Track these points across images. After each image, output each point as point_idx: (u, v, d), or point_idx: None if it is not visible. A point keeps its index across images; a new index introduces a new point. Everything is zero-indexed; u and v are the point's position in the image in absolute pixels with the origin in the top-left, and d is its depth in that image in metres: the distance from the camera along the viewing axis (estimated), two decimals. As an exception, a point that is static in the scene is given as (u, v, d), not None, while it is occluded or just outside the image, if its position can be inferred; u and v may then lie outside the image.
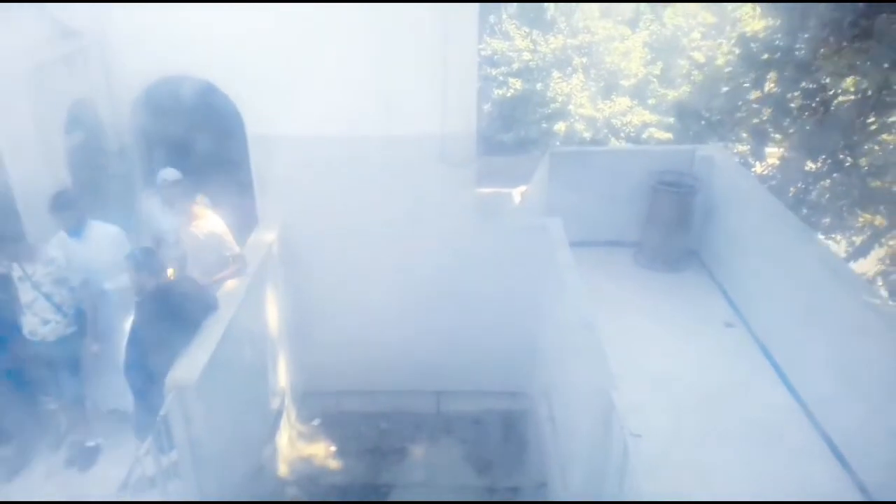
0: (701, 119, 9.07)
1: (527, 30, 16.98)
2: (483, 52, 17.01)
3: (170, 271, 3.73)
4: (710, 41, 15.16)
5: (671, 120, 14.65)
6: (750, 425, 4.18)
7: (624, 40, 16.81)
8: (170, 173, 4.01)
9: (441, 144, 4.88)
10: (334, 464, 4.83)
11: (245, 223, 4.62)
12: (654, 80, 16.40)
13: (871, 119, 6.13)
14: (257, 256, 4.37)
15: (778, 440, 4.07)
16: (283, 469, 4.66)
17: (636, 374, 4.38)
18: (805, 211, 6.95)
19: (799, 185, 6.96)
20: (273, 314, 4.59)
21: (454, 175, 5.02)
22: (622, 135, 16.35)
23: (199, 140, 4.39)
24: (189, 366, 3.34)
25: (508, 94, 16.39)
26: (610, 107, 16.16)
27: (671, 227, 5.88)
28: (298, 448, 4.90)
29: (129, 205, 4.43)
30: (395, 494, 4.57)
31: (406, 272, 5.08)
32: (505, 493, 4.55)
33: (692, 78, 12.09)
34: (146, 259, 3.40)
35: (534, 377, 5.22)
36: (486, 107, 16.47)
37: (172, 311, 3.39)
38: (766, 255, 5.08)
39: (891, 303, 5.41)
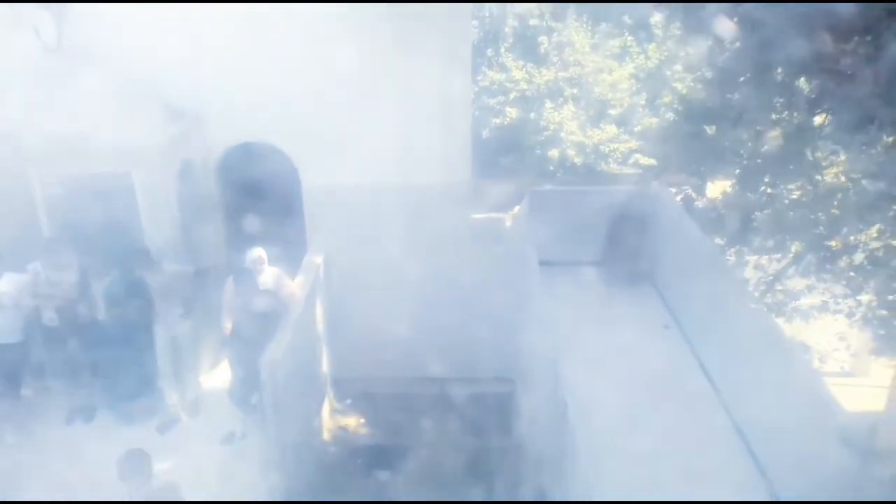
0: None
1: (522, 62, 18.93)
2: (482, 83, 19.05)
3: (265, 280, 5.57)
4: (692, 73, 17.15)
5: (654, 147, 16.56)
6: (672, 399, 5.98)
7: (612, 72, 18.73)
8: (256, 252, 5.70)
9: (443, 189, 6.76)
10: (363, 431, 6.64)
11: (298, 250, 6.48)
12: (640, 109, 18.30)
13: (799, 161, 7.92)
14: (308, 275, 6.21)
15: (691, 411, 5.86)
16: (325, 435, 6.47)
17: (590, 362, 6.17)
18: (749, 234, 8.78)
19: (739, 213, 8.81)
20: (319, 317, 6.43)
21: (454, 210, 6.87)
22: (610, 160, 18.24)
23: (265, 188, 6.26)
24: (275, 350, 5.17)
25: (505, 122, 18.26)
26: (599, 134, 18.04)
27: (625, 250, 7.73)
28: (336, 420, 6.72)
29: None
30: (409, 453, 6.37)
31: (416, 284, 6.90)
32: (492, 451, 6.35)
33: (675, 107, 13.95)
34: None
35: (515, 365, 7.05)
36: (485, 133, 18.34)
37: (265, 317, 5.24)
38: (692, 274, 6.93)
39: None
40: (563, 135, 17.78)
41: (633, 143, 17.60)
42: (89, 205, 5.59)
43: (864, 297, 8.29)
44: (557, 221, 7.81)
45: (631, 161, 17.85)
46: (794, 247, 8.10)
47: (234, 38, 6.25)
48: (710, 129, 8.17)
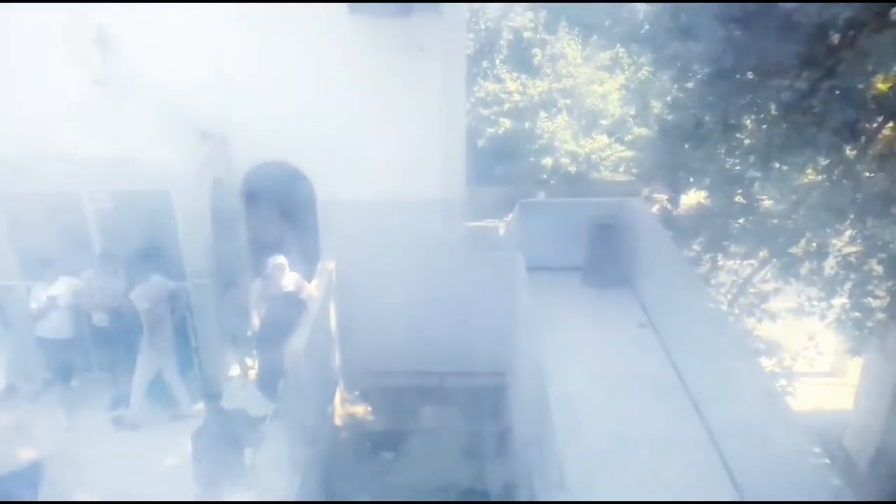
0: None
1: (517, 74, 19.89)
2: (478, 94, 20.04)
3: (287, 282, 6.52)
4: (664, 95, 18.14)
5: (644, 156, 17.52)
6: (643, 390, 6.90)
7: (602, 84, 19.71)
8: (278, 259, 6.65)
9: (441, 204, 7.71)
10: (370, 418, 7.57)
11: (313, 257, 7.42)
12: (630, 119, 19.28)
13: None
14: (323, 279, 7.14)
15: (660, 399, 6.78)
16: (337, 421, 7.40)
17: (571, 357, 7.10)
18: (722, 241, 9.71)
19: (712, 222, 9.76)
20: (332, 316, 7.35)
21: (450, 220, 7.82)
22: (601, 168, 19.23)
23: (284, 203, 7.20)
24: (297, 343, 6.10)
25: (500, 132, 19.23)
26: (590, 143, 19.01)
27: (605, 257, 8.69)
28: (346, 408, 7.65)
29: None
30: (412, 437, 7.31)
31: (417, 288, 7.82)
32: (484, 435, 7.29)
33: (652, 124, 14.98)
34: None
35: (505, 361, 7.99)
36: (481, 142, 19.30)
37: (288, 313, 6.18)
38: (663, 278, 7.88)
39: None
40: (556, 144, 18.74)
41: (624, 152, 18.59)
42: (134, 220, 6.53)
43: (837, 301, 9.21)
44: (544, 230, 8.78)
45: (622, 169, 18.87)
46: (762, 253, 9.06)
47: (257, 69, 7.20)
48: (684, 145, 9.12)
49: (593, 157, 18.86)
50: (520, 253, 7.94)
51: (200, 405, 6.38)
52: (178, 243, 6.65)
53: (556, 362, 6.53)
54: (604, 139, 18.79)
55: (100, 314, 6.48)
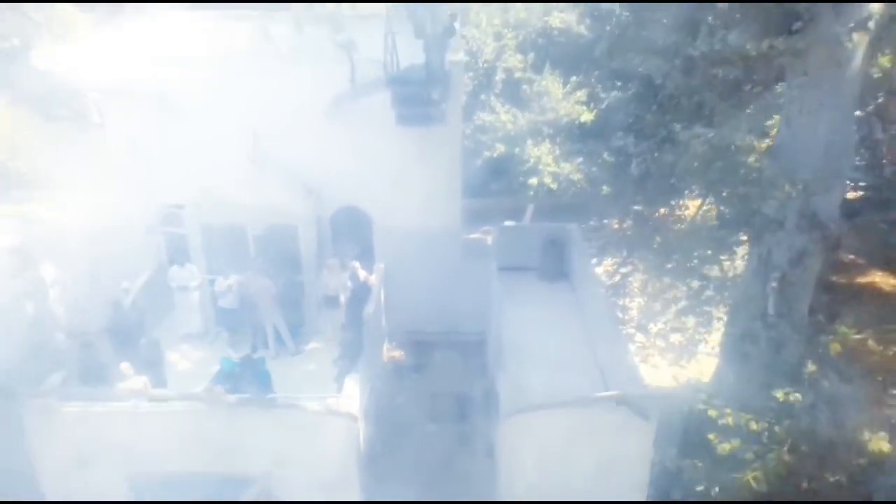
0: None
1: (508, 107, 25.73)
2: (476, 123, 26.00)
3: (363, 275, 12.31)
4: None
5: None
6: (564, 338, 12.61)
7: (580, 116, 25.39)
8: (354, 262, 12.38)
9: (445, 229, 13.48)
10: (402, 359, 13.39)
11: (371, 261, 13.20)
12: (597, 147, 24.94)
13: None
14: (378, 273, 12.90)
15: (576, 352, 12.47)
16: (384, 358, 13.20)
17: (523, 325, 12.78)
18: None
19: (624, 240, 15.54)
20: (381, 296, 13.10)
21: (451, 240, 13.58)
22: (579, 187, 25.00)
23: (355, 230, 13.01)
24: (368, 308, 11.86)
25: (494, 155, 25.03)
26: (569, 167, 24.71)
27: (552, 261, 14.45)
28: (389, 351, 13.46)
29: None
30: (427, 368, 13.11)
31: (431, 279, 13.53)
32: (471, 366, 13.08)
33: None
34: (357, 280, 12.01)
35: (483, 326, 13.78)
36: (478, 163, 25.16)
37: (362, 292, 11.96)
38: (583, 275, 13.64)
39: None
40: (541, 167, 24.43)
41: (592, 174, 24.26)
42: (276, 242, 12.35)
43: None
44: (515, 243, 14.58)
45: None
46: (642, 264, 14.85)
47: (340, 152, 12.93)
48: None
49: (572, 177, 24.59)
50: (493, 259, 13.72)
51: (308, 345, 12.22)
52: (300, 255, 12.48)
53: (512, 328, 12.23)
54: (577, 165, 24.49)
55: (253, 296, 12.30)
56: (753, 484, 8.82)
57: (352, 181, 13.02)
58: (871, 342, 10.43)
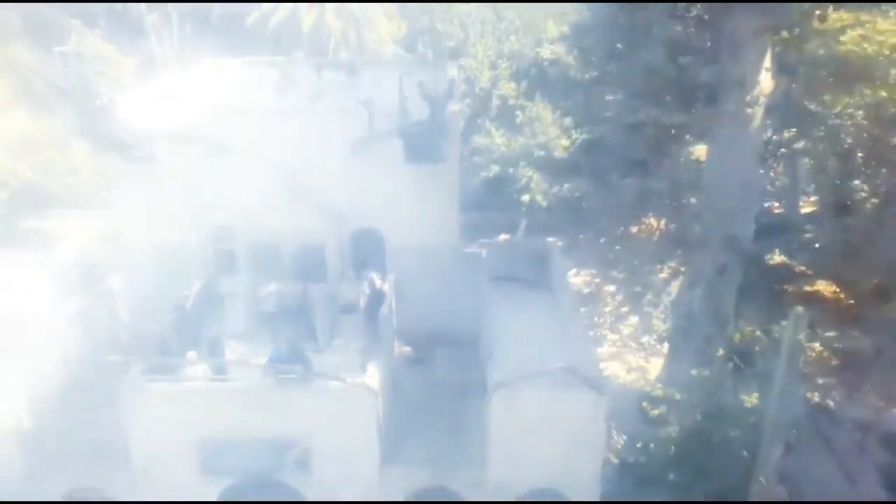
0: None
1: (503, 131, 28.99)
2: (473, 145, 29.29)
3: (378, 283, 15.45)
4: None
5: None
6: (545, 328, 15.66)
7: (567, 139, 28.51)
8: (372, 274, 15.49)
9: (445, 247, 16.61)
10: (410, 353, 16.47)
11: (384, 272, 16.32)
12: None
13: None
14: (390, 283, 16.00)
15: (554, 336, 15.55)
16: (396, 352, 16.28)
17: (508, 321, 15.83)
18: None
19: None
20: (393, 302, 16.20)
21: (451, 255, 16.69)
22: (564, 205, 28.05)
23: (371, 248, 16.15)
24: (383, 310, 14.93)
25: (490, 175, 28.26)
26: (556, 186, 27.81)
27: (536, 273, 17.54)
28: (399, 347, 16.54)
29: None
30: (430, 360, 16.20)
31: (433, 288, 16.61)
32: (468, 357, 16.15)
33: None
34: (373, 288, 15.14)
35: (476, 326, 16.88)
36: (475, 181, 28.37)
37: (378, 298, 15.08)
38: (559, 282, 16.72)
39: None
40: (532, 185, 27.59)
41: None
42: (306, 257, 15.52)
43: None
44: (505, 258, 17.69)
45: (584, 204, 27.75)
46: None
47: (362, 184, 16.06)
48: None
49: (560, 195, 27.72)
50: (486, 270, 16.81)
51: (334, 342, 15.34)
52: (327, 269, 15.62)
53: (499, 325, 15.28)
54: (563, 186, 27.63)
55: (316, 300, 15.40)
56: (672, 436, 11.89)
57: (368, 207, 16.17)
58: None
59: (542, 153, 28.82)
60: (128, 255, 16.57)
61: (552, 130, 29.39)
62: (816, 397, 15.66)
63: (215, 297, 15.78)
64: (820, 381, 15.19)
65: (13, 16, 23.44)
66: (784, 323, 10.86)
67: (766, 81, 13.13)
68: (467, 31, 32.96)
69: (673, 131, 13.65)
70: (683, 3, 13.06)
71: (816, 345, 14.46)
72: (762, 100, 12.85)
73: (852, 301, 15.48)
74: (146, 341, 14.91)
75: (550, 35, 31.10)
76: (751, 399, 12.18)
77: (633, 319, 18.29)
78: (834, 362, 15.08)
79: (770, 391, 10.73)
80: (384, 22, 33.03)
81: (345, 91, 18.23)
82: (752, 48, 12.31)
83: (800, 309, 10.63)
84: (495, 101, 31.31)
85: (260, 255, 15.63)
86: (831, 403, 15.98)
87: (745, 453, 11.30)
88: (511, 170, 28.39)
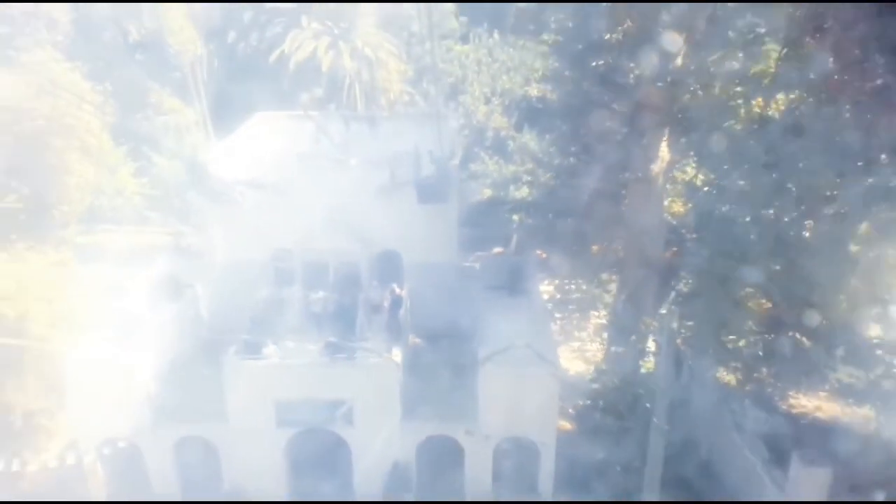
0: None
1: (496, 158, 35.16)
2: (470, 171, 35.46)
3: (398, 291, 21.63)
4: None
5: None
6: (511, 325, 21.77)
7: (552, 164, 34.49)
8: (394, 285, 21.65)
9: (445, 263, 22.82)
10: (420, 343, 22.66)
11: (402, 282, 22.50)
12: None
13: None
14: (406, 291, 22.14)
15: (527, 322, 21.65)
16: (409, 343, 22.45)
17: (495, 326, 21.91)
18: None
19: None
20: (407, 304, 22.33)
21: (451, 269, 22.88)
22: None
23: (393, 264, 22.37)
24: (402, 312, 21.07)
25: (484, 198, 34.40)
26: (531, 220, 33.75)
27: (517, 283, 23.68)
28: (412, 339, 22.69)
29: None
30: (435, 348, 22.40)
31: (438, 295, 22.74)
32: (465, 349, 22.33)
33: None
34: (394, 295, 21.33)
35: (471, 324, 23.05)
36: (471, 202, 34.52)
37: (397, 302, 21.26)
38: (532, 293, 22.88)
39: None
40: (522, 205, 33.59)
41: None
42: (346, 270, 21.72)
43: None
44: (493, 269, 23.88)
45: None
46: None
47: (383, 219, 22.22)
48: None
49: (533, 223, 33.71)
50: (479, 280, 23.00)
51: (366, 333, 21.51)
52: (360, 280, 21.83)
53: (486, 322, 21.37)
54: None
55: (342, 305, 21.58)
56: (598, 390, 18.07)
57: (391, 235, 22.39)
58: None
59: (530, 178, 34.74)
60: (209, 270, 22.81)
61: (538, 158, 35.33)
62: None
63: (278, 302, 21.96)
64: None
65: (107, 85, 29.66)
66: (663, 312, 16.83)
67: (664, 154, 19.23)
68: (465, 70, 39.16)
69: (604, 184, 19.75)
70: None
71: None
72: (662, 166, 18.84)
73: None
74: (222, 334, 21.10)
75: (537, 75, 37.33)
76: (647, 365, 18.34)
77: (594, 320, 24.37)
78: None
79: (662, 362, 16.68)
80: (393, 62, 39.23)
81: (368, 141, 24.50)
82: (653, 134, 18.39)
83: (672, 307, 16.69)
84: (489, 133, 37.56)
85: (310, 270, 21.84)
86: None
87: (647, 404, 17.28)
88: (502, 193, 34.49)
